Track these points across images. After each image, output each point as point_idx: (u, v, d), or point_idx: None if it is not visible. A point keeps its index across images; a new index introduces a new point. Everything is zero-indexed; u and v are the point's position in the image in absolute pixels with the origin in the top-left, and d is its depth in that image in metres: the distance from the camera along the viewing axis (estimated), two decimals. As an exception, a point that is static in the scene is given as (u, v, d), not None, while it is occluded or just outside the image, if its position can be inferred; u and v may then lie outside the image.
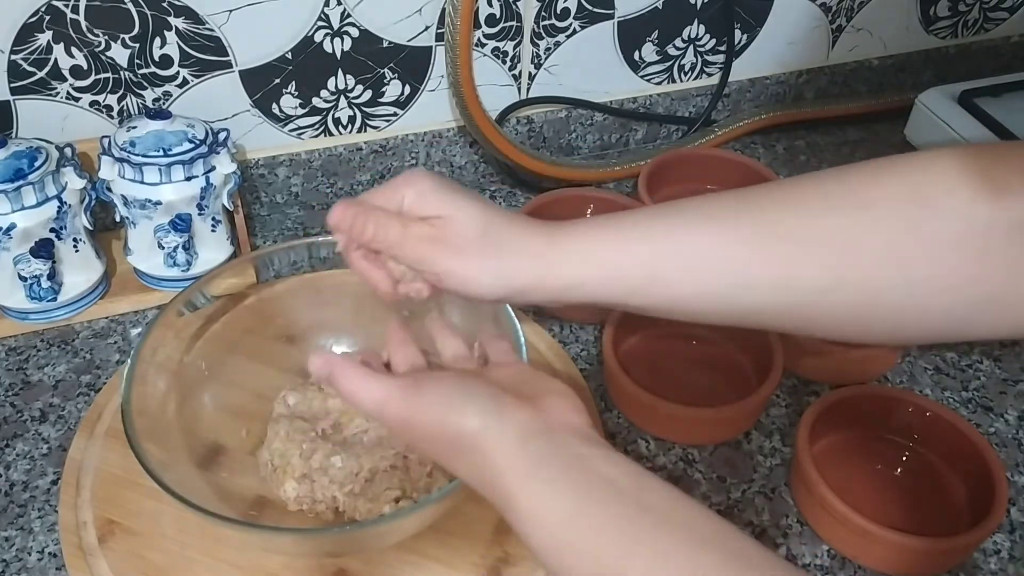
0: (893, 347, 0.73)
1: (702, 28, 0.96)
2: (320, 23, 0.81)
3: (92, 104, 0.79)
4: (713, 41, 0.98)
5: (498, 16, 0.87)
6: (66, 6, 0.73)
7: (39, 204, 0.71)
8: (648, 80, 0.98)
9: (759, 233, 0.47)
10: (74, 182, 0.73)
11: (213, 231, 0.79)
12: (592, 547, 0.38)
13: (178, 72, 0.80)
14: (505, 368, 0.49)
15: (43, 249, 0.72)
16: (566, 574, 0.39)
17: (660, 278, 0.48)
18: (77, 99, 0.78)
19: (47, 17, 0.73)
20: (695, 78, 1.00)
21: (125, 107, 0.80)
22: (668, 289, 0.49)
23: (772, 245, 0.47)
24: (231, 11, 0.77)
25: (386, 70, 0.86)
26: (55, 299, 0.75)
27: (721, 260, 0.47)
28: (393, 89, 0.88)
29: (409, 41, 0.85)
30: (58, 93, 0.77)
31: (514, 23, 0.88)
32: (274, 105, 0.85)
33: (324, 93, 0.86)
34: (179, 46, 0.78)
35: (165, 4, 0.75)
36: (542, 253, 0.49)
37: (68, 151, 0.75)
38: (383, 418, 0.45)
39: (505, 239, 0.49)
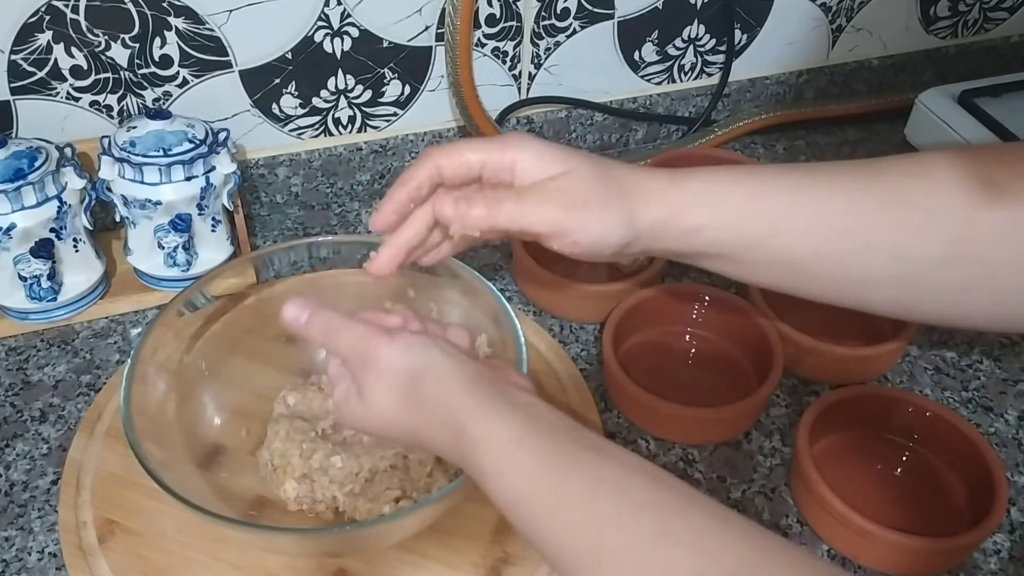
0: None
1: (702, 28, 0.96)
2: (320, 23, 0.81)
3: (92, 104, 0.79)
4: (713, 41, 0.98)
5: (498, 16, 0.87)
6: (66, 6, 0.73)
7: (39, 204, 0.71)
8: (648, 80, 0.98)
9: (886, 200, 0.47)
10: (74, 182, 0.73)
11: (213, 231, 0.79)
12: (531, 475, 0.41)
13: (178, 72, 0.80)
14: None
15: (43, 249, 0.72)
16: (509, 498, 0.42)
17: (782, 231, 0.48)
18: (77, 99, 0.78)
19: (47, 17, 0.73)
20: (695, 78, 1.00)
21: (125, 107, 0.80)
22: (788, 245, 0.48)
23: (896, 211, 0.46)
24: (231, 11, 0.77)
25: (386, 70, 0.86)
26: (55, 299, 0.75)
27: (846, 221, 0.47)
28: (393, 89, 0.88)
29: (409, 41, 0.85)
30: (58, 93, 0.77)
31: (514, 23, 0.88)
32: (274, 105, 0.85)
33: (324, 93, 0.86)
34: (179, 46, 0.78)
35: (165, 4, 0.75)
36: (665, 196, 0.48)
37: (68, 151, 0.75)
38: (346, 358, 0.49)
39: (628, 185, 0.48)
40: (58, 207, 0.72)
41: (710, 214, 0.49)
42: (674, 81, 1.00)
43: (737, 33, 0.97)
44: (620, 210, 0.48)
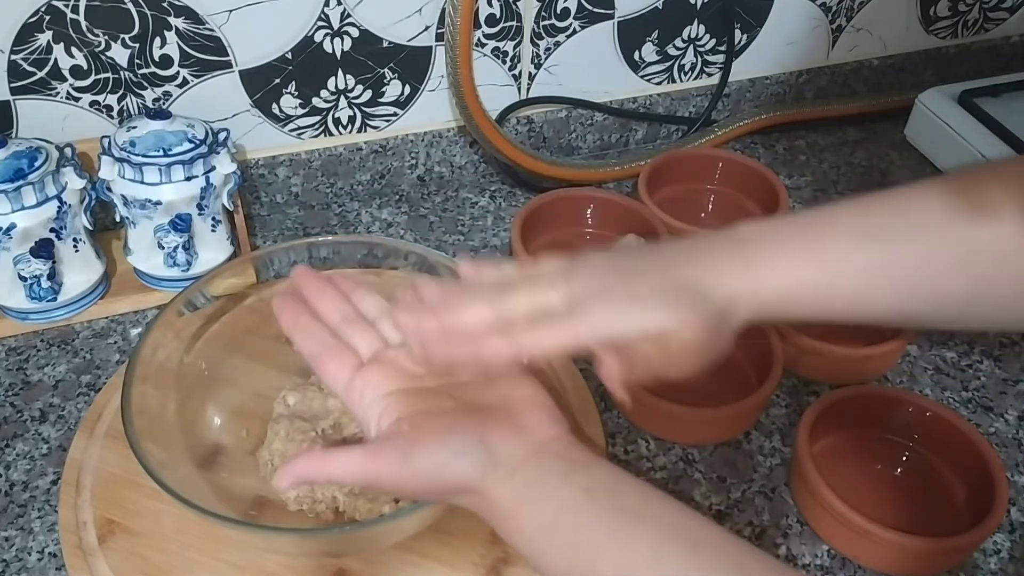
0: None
1: (702, 28, 0.96)
2: (320, 23, 0.81)
3: (92, 104, 0.79)
4: (713, 41, 0.98)
5: (498, 16, 0.87)
6: (66, 6, 0.73)
7: (39, 204, 0.71)
8: (648, 80, 0.98)
9: (961, 249, 0.46)
10: (74, 182, 0.73)
11: (213, 231, 0.79)
12: (567, 549, 0.41)
13: (178, 72, 0.80)
14: (483, 381, 0.48)
15: (43, 249, 0.72)
16: (551, 574, 0.42)
17: (863, 309, 0.48)
18: (77, 99, 0.78)
19: (47, 17, 0.73)
20: (695, 78, 1.00)
21: (125, 107, 0.80)
22: (872, 314, 0.49)
23: (974, 261, 0.46)
24: (231, 11, 0.77)
25: (386, 70, 0.86)
26: (55, 299, 0.75)
27: (922, 278, 0.47)
28: (393, 89, 0.88)
29: (409, 41, 0.85)
30: (58, 93, 0.77)
31: (514, 23, 0.88)
32: (274, 105, 0.85)
33: (324, 93, 0.86)
34: (179, 46, 0.78)
35: (165, 4, 0.75)
36: (751, 301, 0.47)
37: (68, 151, 0.75)
38: (375, 488, 0.47)
39: (720, 306, 0.46)
40: (58, 207, 0.72)
41: (795, 311, 0.48)
42: (674, 81, 1.00)
43: (737, 33, 0.97)
44: (729, 335, 0.47)
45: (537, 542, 0.42)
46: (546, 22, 0.89)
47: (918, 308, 0.48)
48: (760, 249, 0.47)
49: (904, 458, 0.68)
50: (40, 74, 0.76)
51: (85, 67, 0.77)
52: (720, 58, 0.99)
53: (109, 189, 0.75)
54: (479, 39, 0.87)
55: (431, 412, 0.46)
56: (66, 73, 0.77)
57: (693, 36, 0.96)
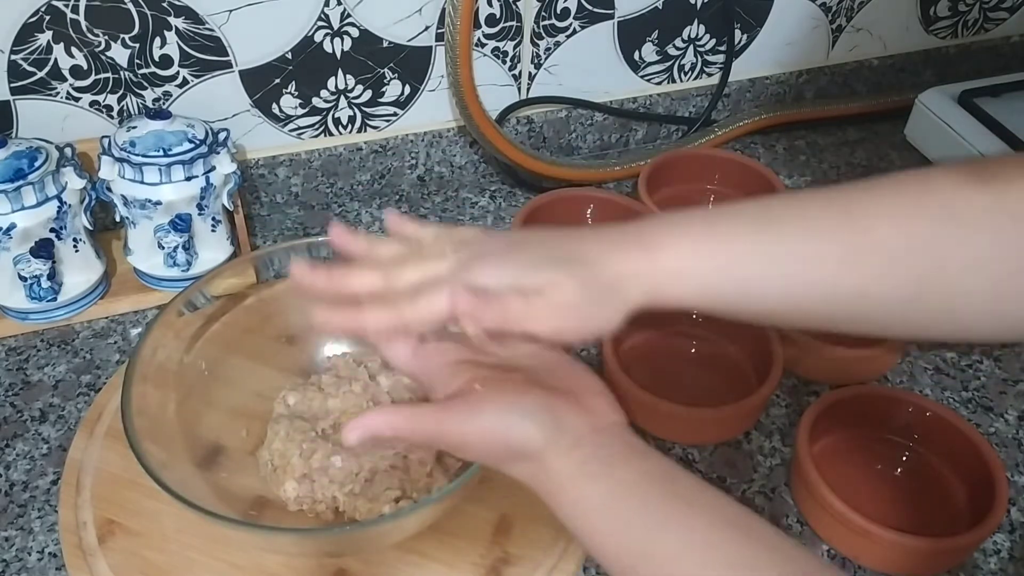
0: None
1: (702, 28, 0.96)
2: (320, 23, 0.81)
3: (92, 104, 0.79)
4: (713, 41, 0.98)
5: (498, 16, 0.87)
6: (66, 6, 0.73)
7: (39, 204, 0.71)
8: (648, 80, 0.98)
9: (851, 244, 0.46)
10: (74, 182, 0.73)
11: (213, 231, 0.79)
12: (624, 528, 0.42)
13: (178, 72, 0.80)
14: (546, 362, 0.49)
15: (43, 249, 0.72)
16: (601, 553, 0.43)
17: (742, 284, 0.48)
18: (77, 99, 0.78)
19: (47, 17, 0.73)
20: (695, 78, 1.00)
21: (125, 107, 0.80)
22: (767, 307, 0.48)
23: (863, 256, 0.46)
24: (231, 11, 0.77)
25: (386, 70, 0.86)
26: (55, 299, 0.75)
27: (811, 271, 0.47)
28: (393, 89, 0.88)
29: (409, 41, 0.85)
30: (58, 93, 0.77)
31: (514, 23, 0.88)
32: (274, 105, 0.85)
33: (324, 93, 0.86)
34: (179, 46, 0.78)
35: (165, 4, 0.75)
36: (643, 280, 0.47)
37: (68, 151, 0.75)
38: (440, 444, 0.47)
39: (608, 279, 0.47)
40: (58, 207, 0.72)
41: (688, 296, 0.48)
42: (674, 81, 1.00)
43: (737, 33, 0.97)
44: (611, 310, 0.47)
45: (591, 520, 0.43)
46: (546, 22, 0.89)
47: (806, 303, 0.48)
48: (660, 233, 0.48)
49: (904, 458, 0.68)
50: (40, 74, 0.76)
51: (85, 67, 0.77)
52: (720, 58, 0.99)
53: (109, 189, 0.75)
54: (479, 39, 0.87)
55: (502, 378, 0.47)
56: (66, 73, 0.77)
57: (693, 36, 0.96)
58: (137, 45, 0.77)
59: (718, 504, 0.42)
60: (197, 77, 0.81)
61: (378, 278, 0.47)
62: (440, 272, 0.47)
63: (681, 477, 0.44)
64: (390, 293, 0.47)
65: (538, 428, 0.44)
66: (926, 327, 0.48)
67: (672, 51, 0.97)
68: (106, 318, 0.78)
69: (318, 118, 0.88)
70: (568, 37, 0.91)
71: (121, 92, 0.79)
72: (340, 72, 0.85)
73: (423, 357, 0.49)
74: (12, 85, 0.76)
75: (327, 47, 0.83)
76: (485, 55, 0.89)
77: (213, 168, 0.75)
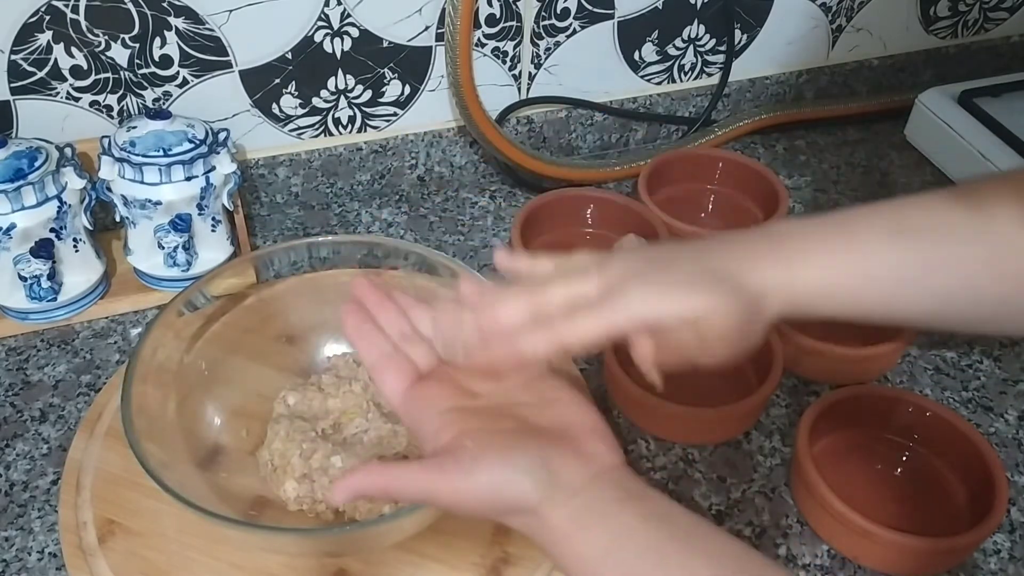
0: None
1: (702, 28, 0.96)
2: (320, 23, 0.81)
3: (92, 104, 0.79)
4: (713, 41, 0.98)
5: (498, 16, 0.87)
6: (66, 6, 0.73)
7: (39, 204, 0.71)
8: (648, 80, 0.98)
9: (993, 252, 0.46)
10: (74, 182, 0.73)
11: (213, 231, 0.79)
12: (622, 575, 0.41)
13: (178, 72, 0.80)
14: (543, 397, 0.48)
15: (43, 249, 0.72)
16: None
17: (899, 309, 0.48)
18: (77, 99, 0.78)
19: (47, 17, 0.73)
20: (695, 78, 1.00)
21: (125, 107, 0.80)
22: (907, 314, 0.49)
23: (1007, 263, 0.46)
24: (231, 11, 0.77)
25: (386, 70, 0.86)
26: (55, 299, 0.75)
27: (953, 279, 0.47)
28: (393, 89, 0.88)
29: (409, 41, 0.85)
30: (58, 93, 0.77)
31: (514, 23, 0.88)
32: (274, 105, 0.85)
33: (324, 93, 0.86)
34: (179, 46, 0.78)
35: (165, 4, 0.75)
36: (784, 294, 0.47)
37: (68, 151, 0.75)
38: (432, 504, 0.46)
39: (756, 298, 0.46)
40: (58, 207, 0.72)
41: (827, 307, 0.48)
42: (674, 81, 1.00)
43: (737, 33, 0.97)
44: (758, 325, 0.47)
45: (591, 569, 0.42)
46: (546, 22, 0.89)
47: (951, 309, 0.48)
48: (795, 244, 0.47)
49: (904, 458, 0.68)
50: (40, 74, 0.76)
51: (85, 67, 0.77)
52: (720, 58, 0.99)
53: (109, 189, 0.75)
54: (479, 39, 0.87)
55: (493, 430, 0.45)
56: (66, 73, 0.77)
57: (693, 36, 0.96)
58: (137, 45, 0.77)
59: (716, 543, 0.42)
60: (197, 77, 0.81)
61: (525, 303, 0.46)
62: (589, 290, 0.45)
63: (678, 517, 0.43)
64: (541, 318, 0.45)
65: (533, 484, 0.42)
66: None
67: (672, 51, 0.97)
68: (106, 318, 0.78)
69: (318, 118, 0.88)
70: (568, 37, 0.91)
71: (121, 92, 0.79)
72: (340, 72, 0.85)
73: (414, 399, 0.47)
74: (12, 85, 0.76)
75: (327, 47, 0.83)
76: (485, 55, 0.89)
77: (213, 168, 0.75)
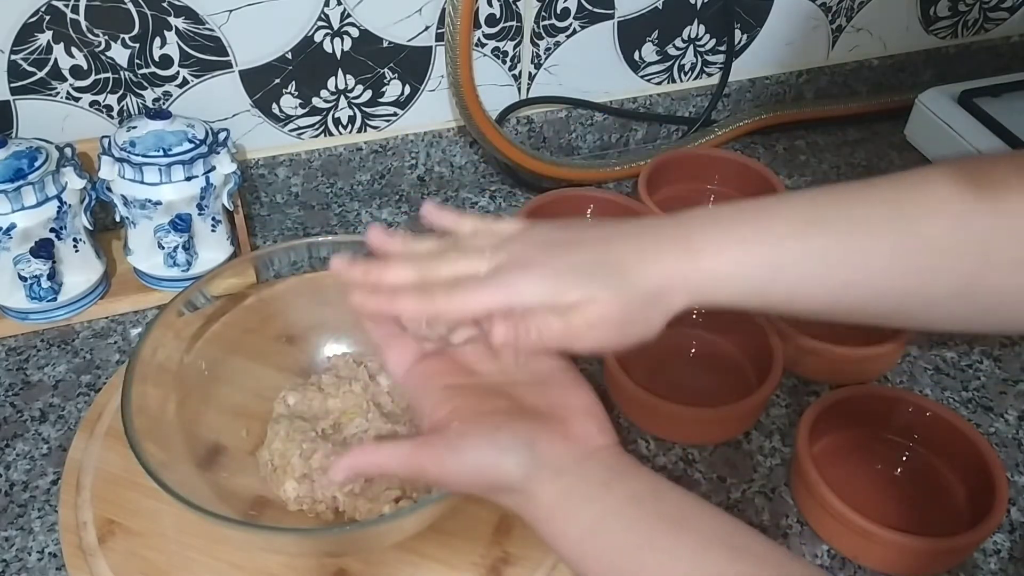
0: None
1: (702, 28, 0.96)
2: (320, 23, 0.81)
3: (92, 104, 0.79)
4: (713, 41, 0.98)
5: (498, 16, 0.87)
6: (66, 6, 0.73)
7: (39, 204, 0.71)
8: (648, 80, 0.98)
9: (900, 245, 0.46)
10: (74, 182, 0.73)
11: (213, 231, 0.79)
12: (609, 556, 0.42)
13: (178, 72, 0.80)
14: (540, 377, 0.48)
15: (43, 249, 0.72)
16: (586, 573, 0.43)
17: (800, 300, 0.48)
18: (77, 99, 0.78)
19: (47, 17, 0.73)
20: (695, 78, 1.00)
21: (125, 107, 0.80)
22: (808, 307, 0.48)
23: (913, 257, 0.46)
24: (231, 11, 0.77)
25: (386, 70, 0.86)
26: (55, 299, 0.75)
27: (860, 272, 0.46)
28: (393, 89, 0.88)
29: (409, 41, 0.85)
30: (58, 93, 0.77)
31: (514, 23, 0.88)
32: (274, 105, 0.85)
33: (324, 93, 0.86)
34: (179, 46, 0.78)
35: (165, 4, 0.75)
36: (688, 283, 0.47)
37: (68, 151, 0.75)
38: (422, 480, 0.47)
39: (652, 288, 0.46)
40: (58, 207, 0.72)
41: (733, 299, 0.48)
42: (674, 81, 1.00)
43: (737, 33, 0.97)
44: (653, 318, 0.47)
45: (579, 548, 0.43)
46: (546, 22, 0.89)
47: (856, 303, 0.48)
48: (704, 233, 0.47)
49: (904, 458, 0.68)
50: (40, 74, 0.76)
51: (85, 67, 0.77)
52: (720, 58, 0.99)
53: (109, 189, 0.75)
54: (479, 39, 0.87)
55: (483, 409, 0.46)
56: (66, 73, 0.77)
57: (693, 36, 0.96)
58: (137, 45, 0.77)
59: (707, 520, 0.42)
60: (197, 77, 0.81)
61: (413, 271, 0.47)
62: (478, 270, 0.46)
63: (668, 495, 0.43)
64: (424, 285, 0.47)
65: (516, 463, 0.43)
66: (970, 322, 0.48)
67: (672, 51, 0.97)
68: (106, 318, 0.78)
69: (318, 118, 0.88)
70: (568, 37, 0.91)
71: (121, 92, 0.79)
72: (340, 72, 0.85)
73: (418, 374, 0.49)
74: (12, 85, 0.76)
75: (327, 47, 0.83)
76: (485, 55, 0.89)
77: (213, 168, 0.75)
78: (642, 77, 0.98)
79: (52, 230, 0.73)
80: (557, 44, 0.91)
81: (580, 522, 0.43)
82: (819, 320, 0.50)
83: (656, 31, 0.94)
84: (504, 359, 0.48)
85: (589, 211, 0.87)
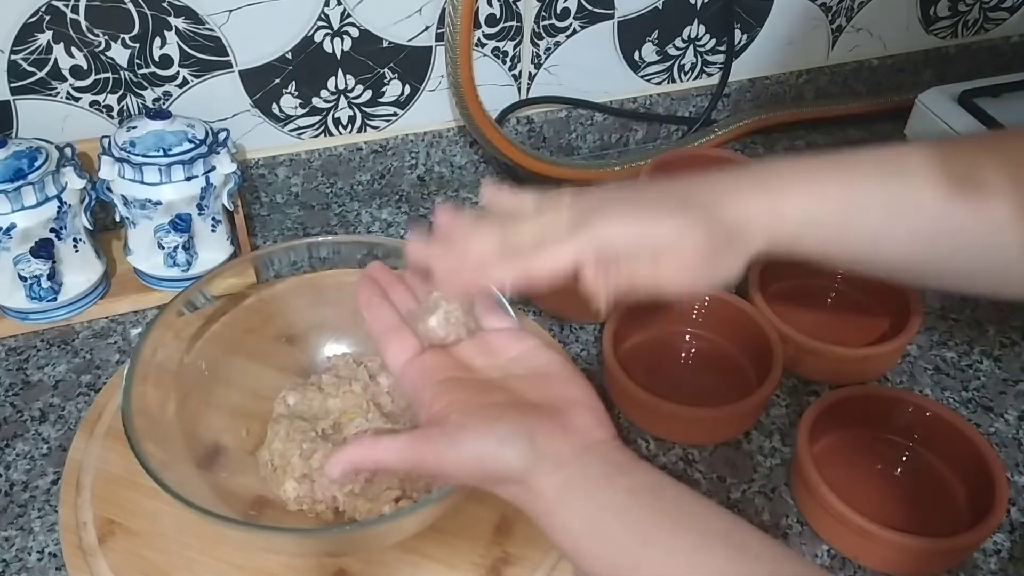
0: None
1: (702, 28, 0.96)
2: (320, 23, 0.81)
3: (92, 104, 0.79)
4: (713, 41, 0.98)
5: (498, 16, 0.87)
6: (66, 6, 0.73)
7: (39, 204, 0.71)
8: (648, 80, 0.98)
9: (975, 203, 0.46)
10: (74, 182, 0.73)
11: (213, 231, 0.79)
12: (609, 551, 0.42)
13: (178, 72, 0.80)
14: (538, 371, 0.48)
15: (43, 249, 0.72)
16: (591, 573, 0.43)
17: (872, 235, 0.47)
18: (77, 99, 0.78)
19: (47, 17, 0.73)
20: (695, 78, 1.00)
21: (125, 107, 0.80)
22: (876, 248, 0.48)
23: (984, 212, 0.45)
24: (231, 11, 0.77)
25: (386, 70, 0.86)
26: (55, 299, 0.75)
27: (942, 223, 0.46)
28: (393, 89, 0.88)
29: (409, 41, 0.85)
30: (58, 93, 0.77)
31: (514, 23, 0.88)
32: (274, 105, 0.85)
33: (324, 93, 0.86)
34: (179, 46, 0.78)
35: (165, 4, 0.75)
36: (768, 228, 0.47)
37: (68, 151, 0.75)
38: (422, 473, 0.47)
39: (733, 227, 0.46)
40: (58, 207, 0.72)
41: (811, 245, 0.48)
42: (674, 81, 1.00)
43: (737, 33, 0.97)
44: (734, 258, 0.47)
45: (579, 541, 0.43)
46: (546, 22, 0.89)
47: (935, 257, 0.48)
48: (782, 178, 0.47)
49: (904, 458, 0.67)
50: (40, 74, 0.76)
51: (85, 67, 0.77)
52: (720, 58, 0.99)
53: (109, 189, 0.75)
54: (479, 39, 0.87)
55: (482, 402, 0.46)
56: (66, 73, 0.77)
57: (693, 36, 0.96)
58: (137, 45, 0.77)
59: (706, 517, 0.42)
60: (197, 77, 0.81)
61: (496, 237, 0.47)
62: (560, 223, 0.46)
63: (667, 490, 0.43)
64: (509, 249, 0.46)
65: (515, 454, 0.43)
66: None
67: (672, 51, 0.97)
68: (106, 318, 0.78)
69: (318, 118, 0.88)
70: (568, 37, 0.91)
71: (121, 92, 0.79)
72: (340, 72, 0.85)
73: (413, 368, 0.49)
74: (12, 85, 0.76)
75: (327, 47, 0.83)
76: (485, 55, 0.89)
77: (213, 168, 0.75)
78: (642, 77, 0.98)
79: (52, 230, 0.73)
80: (557, 44, 0.91)
81: (580, 517, 0.43)
82: (900, 276, 0.49)
83: (656, 31, 0.94)
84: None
85: (589, 211, 0.87)
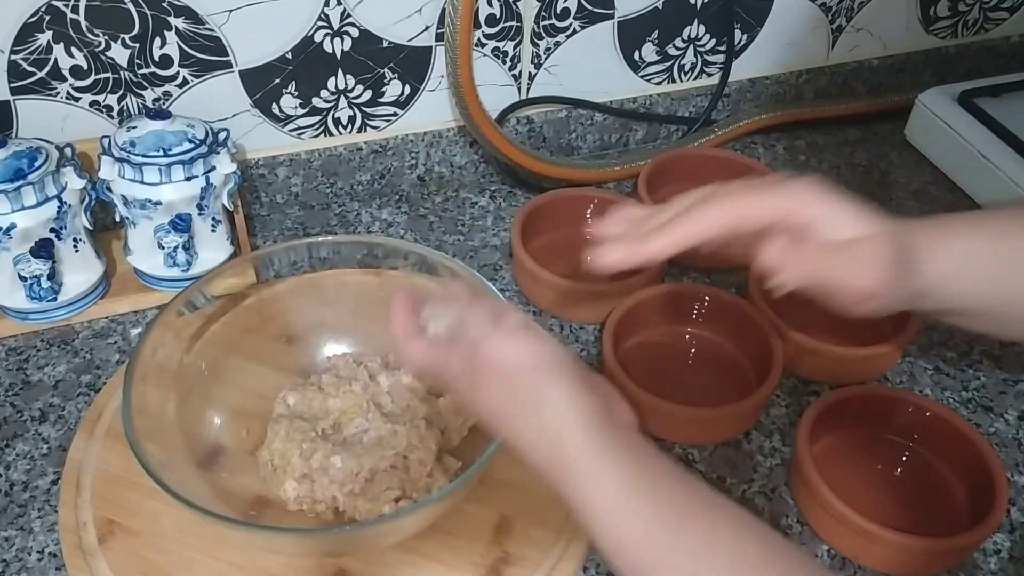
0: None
1: (702, 28, 0.96)
2: (320, 23, 0.81)
3: (92, 104, 0.79)
4: (713, 41, 0.98)
5: (498, 16, 0.87)
6: (66, 6, 0.73)
7: (39, 204, 0.71)
8: (648, 80, 0.98)
9: None
10: (74, 182, 0.73)
11: (213, 231, 0.79)
12: (647, 520, 0.40)
13: (178, 72, 0.80)
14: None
15: (43, 249, 0.72)
16: (620, 541, 0.41)
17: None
18: (77, 99, 0.78)
19: (47, 17, 0.73)
20: (695, 78, 1.00)
21: (125, 107, 0.80)
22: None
23: None
24: (231, 11, 0.77)
25: (386, 70, 0.86)
26: (55, 299, 0.75)
27: None
28: (393, 89, 0.88)
29: (409, 41, 0.85)
30: (58, 93, 0.77)
31: (514, 23, 0.88)
32: (274, 105, 0.85)
33: (324, 93, 0.86)
34: (179, 46, 0.78)
35: (165, 4, 0.75)
36: (938, 265, 0.48)
37: (68, 151, 0.75)
38: (483, 348, 0.46)
39: (917, 253, 0.47)
40: (58, 207, 0.72)
41: (973, 285, 0.49)
42: (674, 81, 1.00)
43: (737, 33, 0.97)
44: (906, 281, 0.48)
45: (618, 506, 0.42)
46: (546, 22, 0.89)
47: None
48: (952, 221, 0.49)
49: (904, 458, 0.67)
50: (40, 74, 0.76)
51: (85, 67, 0.77)
52: (720, 58, 0.99)
53: (109, 189, 0.75)
54: (479, 39, 0.87)
55: None
56: (66, 73, 0.77)
57: (693, 36, 0.96)
58: (137, 45, 0.77)
59: (733, 508, 0.43)
60: (197, 77, 0.81)
61: (648, 209, 0.49)
62: (708, 192, 0.48)
63: (695, 479, 0.44)
64: (664, 218, 0.48)
65: (565, 378, 0.44)
66: None
67: (672, 51, 0.97)
68: (106, 318, 0.78)
69: (318, 118, 0.88)
70: (568, 37, 0.91)
71: (121, 92, 0.79)
72: (340, 72, 0.85)
73: (435, 353, 0.49)
74: (12, 85, 0.76)
75: (327, 47, 0.83)
76: (485, 55, 0.89)
77: (213, 168, 0.75)
78: (642, 77, 0.98)
79: (52, 230, 0.73)
80: (557, 44, 0.91)
81: (615, 475, 0.42)
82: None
83: (656, 31, 0.94)
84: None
85: (589, 211, 0.87)
